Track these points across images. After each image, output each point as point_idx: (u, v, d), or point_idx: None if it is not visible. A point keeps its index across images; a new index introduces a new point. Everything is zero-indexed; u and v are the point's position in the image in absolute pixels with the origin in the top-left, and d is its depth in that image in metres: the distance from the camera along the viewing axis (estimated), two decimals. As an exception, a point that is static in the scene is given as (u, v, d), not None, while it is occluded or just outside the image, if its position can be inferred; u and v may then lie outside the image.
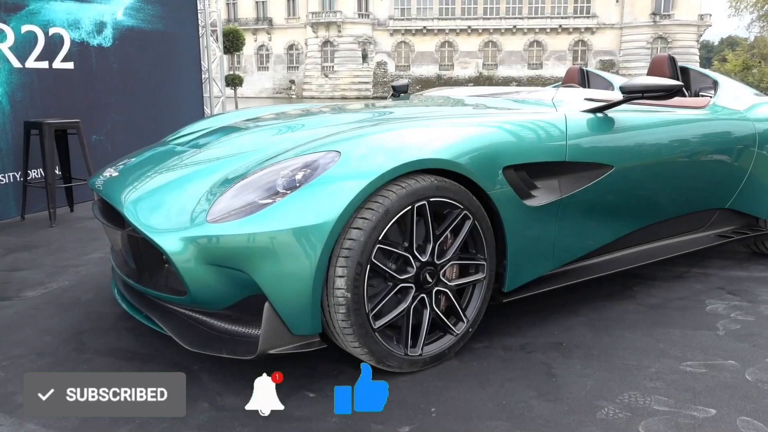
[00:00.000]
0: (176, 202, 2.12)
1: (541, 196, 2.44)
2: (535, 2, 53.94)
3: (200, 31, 6.45)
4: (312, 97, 53.73)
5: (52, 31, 4.93)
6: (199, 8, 6.44)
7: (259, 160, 2.22)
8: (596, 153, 2.56)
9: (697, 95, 3.52)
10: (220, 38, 7.86)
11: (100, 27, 5.33)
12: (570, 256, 2.62)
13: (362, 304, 2.02)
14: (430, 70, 55.35)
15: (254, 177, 2.08)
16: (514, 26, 53.71)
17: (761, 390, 2.06)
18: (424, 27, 54.52)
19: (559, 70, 50.46)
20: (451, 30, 54.69)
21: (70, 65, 5.10)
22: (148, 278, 2.25)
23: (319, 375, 2.20)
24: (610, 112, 2.70)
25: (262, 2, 57.94)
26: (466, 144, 2.23)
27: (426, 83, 54.09)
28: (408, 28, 54.79)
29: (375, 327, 2.07)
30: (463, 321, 2.31)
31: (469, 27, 54.28)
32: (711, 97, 3.32)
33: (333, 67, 54.89)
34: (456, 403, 2.00)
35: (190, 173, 2.28)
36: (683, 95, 3.50)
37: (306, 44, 56.12)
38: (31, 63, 4.77)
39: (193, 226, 2.00)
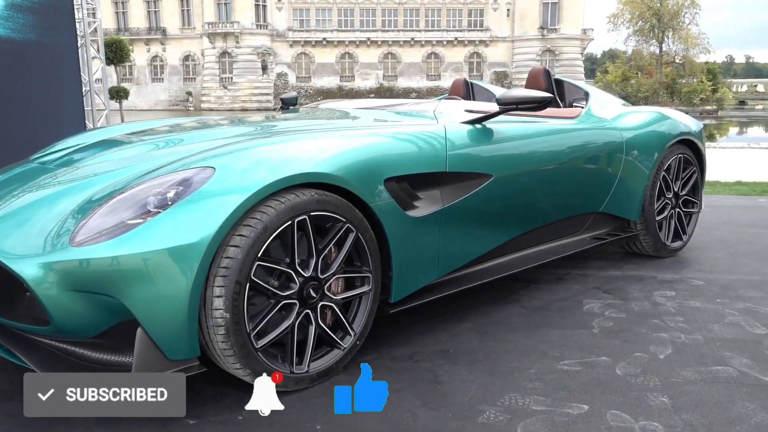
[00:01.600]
0: (37, 224, 1.99)
1: (424, 207, 2.48)
2: (432, 15, 55.42)
3: (80, 42, 6.12)
4: (211, 109, 52.35)
5: None
6: (78, 17, 6.11)
7: (130, 178, 2.12)
8: (476, 163, 2.64)
9: (570, 106, 3.72)
10: (102, 49, 7.47)
11: (-36, 37, 4.94)
12: (455, 264, 2.68)
13: (242, 323, 1.97)
14: (331, 82, 55.47)
15: (123, 196, 1.98)
16: (412, 38, 54.89)
17: (629, 383, 2.19)
18: (324, 38, 54.62)
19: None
20: (350, 42, 55.11)
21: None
22: (7, 308, 2.08)
23: (202, 400, 2.11)
24: (488, 123, 2.80)
25: (155, 12, 55.95)
26: (347, 157, 2.23)
27: (327, 94, 54.15)
28: (308, 39, 54.69)
29: (257, 346, 2.02)
30: (350, 334, 2.30)
31: (369, 39, 54.94)
32: (582, 107, 3.53)
33: (232, 78, 53.78)
34: (341, 418, 1.99)
35: (54, 193, 2.14)
36: (558, 106, 3.69)
37: (203, 55, 54.68)
38: None
39: (55, 251, 1.87)
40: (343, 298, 2.30)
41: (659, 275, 3.43)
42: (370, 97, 52.26)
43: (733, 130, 33.18)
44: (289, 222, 2.04)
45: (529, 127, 2.97)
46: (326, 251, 2.19)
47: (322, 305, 2.22)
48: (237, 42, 52.80)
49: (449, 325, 2.74)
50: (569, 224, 3.31)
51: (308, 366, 2.18)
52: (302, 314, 2.15)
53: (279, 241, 2.09)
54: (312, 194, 2.10)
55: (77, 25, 6.15)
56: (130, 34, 55.61)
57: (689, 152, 3.79)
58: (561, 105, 3.70)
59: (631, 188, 3.47)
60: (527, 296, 3.11)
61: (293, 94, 4.14)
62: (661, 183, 3.61)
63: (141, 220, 1.90)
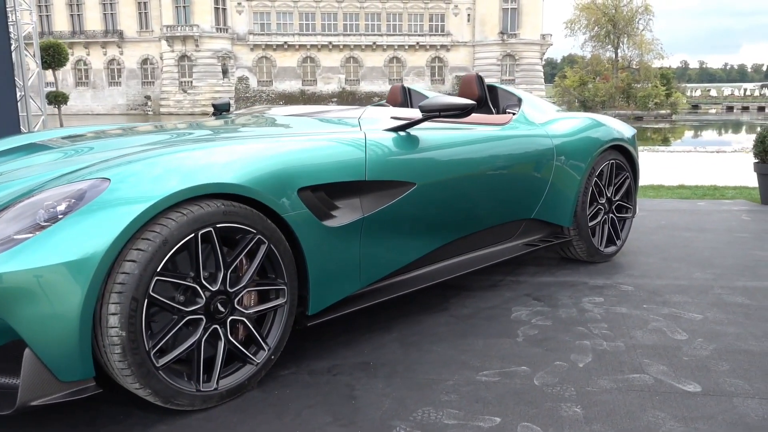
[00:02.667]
0: None
1: (342, 217, 2.43)
2: (393, 20, 55.61)
3: (13, 45, 5.89)
4: (170, 113, 51.49)
5: None
6: (11, 20, 5.89)
7: (23, 190, 2.01)
8: (397, 171, 2.60)
9: (503, 112, 3.72)
10: (37, 52, 7.22)
11: None
12: (379, 274, 2.63)
13: (141, 341, 1.88)
14: (293, 86, 55.17)
15: (13, 209, 1.88)
16: (374, 42, 54.98)
17: (545, 394, 2.17)
18: (285, 42, 54.30)
19: (419, 86, 52.27)
20: (312, 46, 54.91)
21: None
22: None
23: (103, 421, 2.02)
24: (413, 131, 2.76)
25: (111, 14, 54.83)
26: (256, 166, 2.16)
27: (289, 99, 53.84)
28: (269, 43, 54.28)
29: (158, 365, 1.94)
30: (263, 349, 2.23)
31: (330, 43, 54.83)
32: (514, 113, 3.53)
33: (192, 82, 53.04)
34: (247, 437, 1.92)
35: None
36: (490, 112, 3.68)
37: (161, 59, 53.82)
38: None
39: (-67, 268, 1.76)
40: (256, 312, 2.23)
41: (591, 281, 3.45)
42: (332, 102, 52.26)
43: (688, 134, 34.08)
44: (192, 235, 1.97)
45: (455, 135, 2.94)
46: (235, 264, 2.12)
47: (233, 320, 2.14)
48: (197, 45, 52.12)
49: (374, 336, 2.69)
50: (501, 231, 3.30)
51: (217, 383, 2.10)
52: (210, 330, 2.07)
53: (182, 254, 2.02)
54: (218, 205, 2.03)
55: (11, 28, 5.91)
56: (85, 37, 54.47)
57: (622, 158, 3.82)
58: (493, 111, 3.70)
59: (563, 194, 3.49)
60: (457, 304, 3.08)
61: (226, 100, 4.05)
62: (593, 189, 3.63)
63: (29, 235, 1.80)
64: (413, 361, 2.44)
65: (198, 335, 2.04)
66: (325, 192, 2.37)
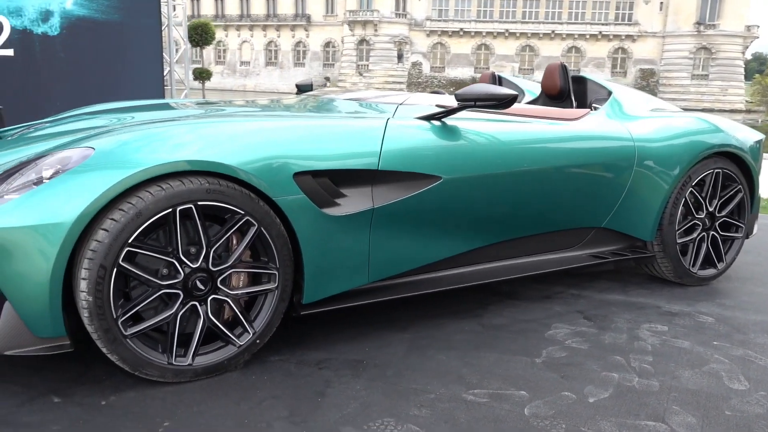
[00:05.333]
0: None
1: (348, 206, 2.31)
2: (576, 8, 52.95)
3: (164, 23, 6.45)
4: (345, 95, 53.76)
5: (-10, 17, 4.99)
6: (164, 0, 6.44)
7: (34, 153, 2.14)
8: (419, 162, 2.42)
9: (589, 106, 3.32)
10: (185, 31, 7.85)
11: (45, 15, 5.37)
12: (393, 270, 2.48)
13: (107, 308, 1.93)
14: (465, 73, 54.84)
15: (12, 170, 2.01)
16: (553, 31, 52.81)
17: (528, 426, 1.90)
18: (461, 29, 54.05)
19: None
20: (488, 33, 54.09)
21: (9, 52, 5.14)
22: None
23: (82, 380, 2.12)
24: (450, 121, 2.56)
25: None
26: (248, 146, 2.12)
27: (460, 85, 53.62)
28: (445, 29, 54.40)
29: (126, 333, 1.98)
30: (248, 332, 2.20)
31: (507, 30, 53.60)
32: (596, 109, 3.13)
33: (368, 65, 54.89)
34: (198, 418, 1.90)
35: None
36: (570, 105, 3.30)
37: (342, 42, 56.30)
38: (-35, 49, 4.84)
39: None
40: (243, 293, 2.20)
41: (666, 306, 2.98)
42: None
43: None
44: (170, 210, 1.98)
45: (500, 128, 2.67)
46: (219, 243, 2.10)
47: (215, 299, 2.13)
48: (375, 30, 53.73)
49: (384, 334, 2.55)
50: (561, 238, 2.96)
51: (192, 359, 2.11)
52: (187, 305, 2.08)
53: (162, 228, 2.04)
54: (202, 182, 2.02)
55: (164, 8, 6.47)
56: (278, 21, 58.61)
57: (733, 167, 3.25)
58: (574, 105, 3.31)
59: (644, 204, 3.04)
60: (494, 312, 2.83)
61: (309, 80, 4.06)
62: (687, 200, 3.13)
63: (16, 195, 1.91)
64: (407, 367, 2.28)
65: (174, 310, 2.06)
66: (329, 178, 2.27)
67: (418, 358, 2.36)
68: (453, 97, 2.58)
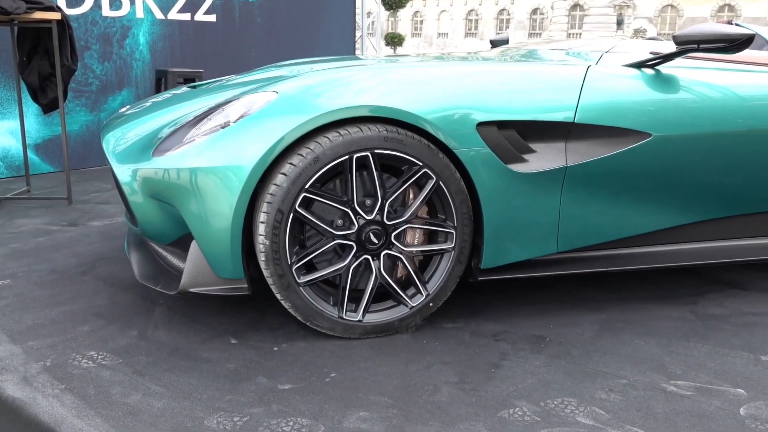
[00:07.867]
0: (143, 137, 2.39)
1: (538, 162, 2.26)
2: None
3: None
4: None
5: (197, -17, 5.61)
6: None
7: (224, 99, 2.38)
8: (624, 116, 2.28)
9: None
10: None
11: (246, -19, 5.91)
12: (586, 240, 2.39)
13: (283, 254, 2.10)
14: (700, 40, 50.34)
15: (202, 116, 2.25)
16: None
17: (745, 427, 1.73)
18: (699, -13, 49.67)
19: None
20: (733, -9, 49.07)
21: (212, 18, 5.76)
22: (128, 212, 2.57)
23: (262, 325, 2.33)
24: (664, 69, 2.38)
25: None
26: (430, 93, 2.16)
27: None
28: (677, -12, 50.40)
29: (300, 281, 2.14)
30: (421, 293, 2.27)
31: (759, -14, 48.14)
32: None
33: (581, 34, 52.72)
34: (364, 373, 2.01)
35: (168, 110, 2.52)
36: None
37: (552, 8, 54.67)
38: (173, 14, 5.50)
39: (142, 160, 2.24)
40: (418, 251, 2.27)
41: None
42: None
43: None
44: (347, 156, 2.09)
45: (730, 79, 2.42)
46: (395, 196, 2.18)
47: (389, 254, 2.22)
48: (592, -8, 51.41)
49: (574, 312, 2.47)
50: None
51: (362, 315, 2.22)
52: (361, 259, 2.19)
53: (339, 177, 2.16)
54: (380, 130, 2.10)
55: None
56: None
57: None
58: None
59: None
60: (712, 301, 2.59)
61: (505, 35, 4.01)
62: None
63: (205, 138, 2.15)
64: (597, 349, 2.18)
65: (347, 262, 2.18)
66: (516, 131, 2.23)
67: (610, 340, 2.25)
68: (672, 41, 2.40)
